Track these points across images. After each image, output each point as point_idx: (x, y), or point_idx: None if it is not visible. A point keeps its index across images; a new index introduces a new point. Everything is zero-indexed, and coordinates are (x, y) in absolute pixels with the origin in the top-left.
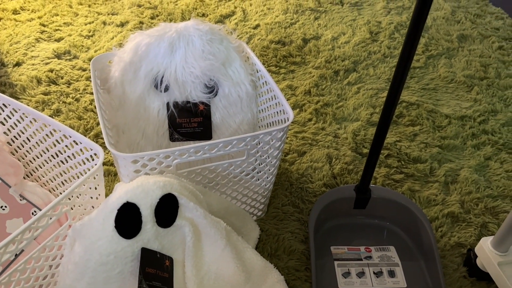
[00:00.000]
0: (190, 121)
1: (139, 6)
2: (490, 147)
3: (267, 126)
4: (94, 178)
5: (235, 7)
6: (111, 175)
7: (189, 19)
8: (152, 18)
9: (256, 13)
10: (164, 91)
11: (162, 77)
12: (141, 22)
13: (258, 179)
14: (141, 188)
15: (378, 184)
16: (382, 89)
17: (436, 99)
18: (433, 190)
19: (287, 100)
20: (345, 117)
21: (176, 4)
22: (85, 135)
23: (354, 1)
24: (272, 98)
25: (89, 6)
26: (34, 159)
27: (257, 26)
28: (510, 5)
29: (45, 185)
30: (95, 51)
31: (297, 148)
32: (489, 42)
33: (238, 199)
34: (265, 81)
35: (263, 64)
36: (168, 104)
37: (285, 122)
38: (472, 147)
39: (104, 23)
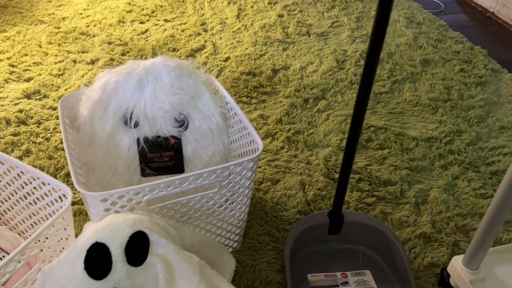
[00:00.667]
0: (161, 156)
1: (110, 43)
2: (457, 167)
3: (240, 157)
4: (63, 219)
5: (205, 41)
6: (82, 215)
7: (161, 54)
8: (122, 54)
9: (226, 46)
10: (134, 127)
11: (132, 113)
12: (112, 59)
13: (232, 210)
14: (110, 227)
15: (351, 208)
16: (350, 115)
17: (403, 122)
18: (404, 211)
19: (259, 129)
20: (316, 144)
21: (147, 40)
22: (56, 175)
23: (321, 31)
24: (242, 129)
25: (59, 45)
26: (3, 202)
27: (228, 58)
28: (468, 29)
29: (14, 228)
30: (66, 90)
31: (271, 176)
32: (451, 65)
33: (213, 232)
34: (235, 113)
35: (235, 95)
36: (138, 139)
37: (255, 152)
38: (440, 167)
39: (75, 61)
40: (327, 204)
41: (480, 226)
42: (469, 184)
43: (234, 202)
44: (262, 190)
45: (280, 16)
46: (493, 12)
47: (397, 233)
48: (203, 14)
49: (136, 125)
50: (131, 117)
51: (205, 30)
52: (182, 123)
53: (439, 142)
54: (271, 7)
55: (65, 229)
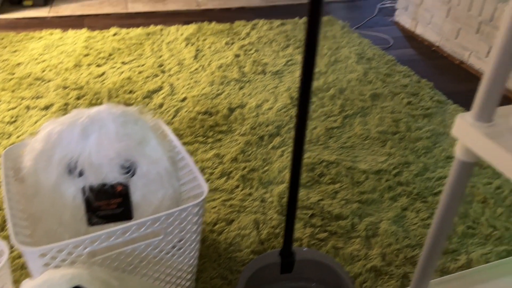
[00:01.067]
0: (108, 203)
1: (65, 87)
2: (406, 198)
3: (189, 200)
4: None
5: (163, 82)
6: (24, 269)
7: (116, 97)
8: (78, 99)
9: (183, 86)
10: (79, 176)
11: (76, 162)
12: (66, 104)
13: (181, 256)
14: (47, 284)
15: (304, 244)
16: (304, 150)
17: (354, 156)
18: (355, 245)
19: (215, 168)
20: (271, 181)
21: (103, 83)
22: (3, 227)
23: (276, 69)
24: (189, 173)
25: (13, 91)
26: None
27: (185, 99)
28: (416, 63)
29: None
30: (17, 137)
31: (225, 216)
32: (399, 99)
33: (162, 279)
34: (182, 157)
35: (191, 135)
36: (84, 188)
37: (202, 196)
38: (389, 199)
39: (28, 107)
40: (281, 242)
41: (420, 258)
42: (418, 214)
43: (182, 248)
44: (216, 232)
45: (237, 56)
46: (438, 46)
47: (348, 268)
48: (161, 56)
49: (81, 174)
50: (76, 166)
51: (163, 72)
52: (129, 170)
53: (388, 174)
54: (228, 47)
55: (2, 287)
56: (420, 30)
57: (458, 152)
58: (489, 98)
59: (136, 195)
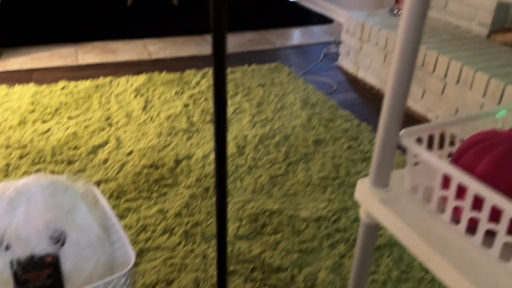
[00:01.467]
0: (38, 275)
1: (7, 147)
2: (343, 245)
3: (120, 267)
4: None
5: (109, 136)
6: None
7: (60, 154)
8: (20, 158)
9: (130, 139)
10: (6, 250)
11: (3, 236)
12: (8, 164)
13: None
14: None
15: None
16: (248, 200)
17: (296, 203)
18: None
19: (158, 225)
20: (213, 235)
21: (48, 140)
22: None
23: None
24: (119, 240)
25: None
26: None
27: (131, 152)
28: (357, 106)
29: None
30: None
31: (166, 277)
32: (340, 143)
33: None
34: (113, 223)
35: (135, 191)
36: (11, 262)
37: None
38: (328, 247)
39: None
40: None
41: None
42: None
43: None
44: None
45: (186, 105)
46: (378, 89)
47: None
48: (109, 108)
49: (8, 247)
50: (2, 240)
51: (110, 125)
52: (59, 240)
53: (327, 221)
54: (178, 97)
55: None
56: (361, 74)
57: (362, 216)
58: (382, 166)
59: (67, 265)
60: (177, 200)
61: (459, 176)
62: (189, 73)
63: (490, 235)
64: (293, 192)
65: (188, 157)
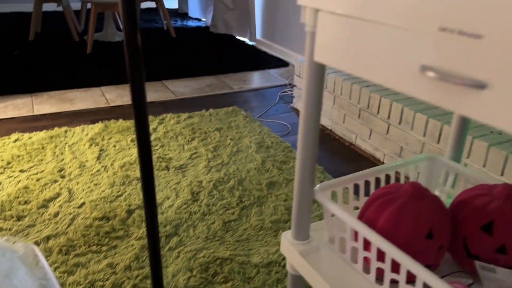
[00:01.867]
0: None
1: None
2: None
3: None
4: None
5: (61, 189)
6: None
7: (9, 210)
8: None
9: (83, 191)
10: None
11: None
12: None
13: None
14: None
15: None
16: (200, 249)
17: (248, 249)
18: None
19: (106, 280)
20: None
21: None
22: None
23: (179, 164)
24: None
25: None
26: None
27: (83, 204)
28: None
29: None
30: None
31: None
32: (293, 185)
33: None
34: (52, 284)
35: (84, 245)
36: None
37: None
38: None
39: None
40: None
41: None
42: None
43: None
44: None
45: None
46: (331, 130)
47: None
48: (62, 159)
49: None
50: None
51: (63, 176)
52: None
53: (277, 266)
54: (134, 145)
55: None
56: None
57: (288, 267)
58: (300, 220)
59: None
60: (128, 252)
61: (363, 231)
62: None
63: (395, 283)
64: (245, 238)
65: (141, 206)
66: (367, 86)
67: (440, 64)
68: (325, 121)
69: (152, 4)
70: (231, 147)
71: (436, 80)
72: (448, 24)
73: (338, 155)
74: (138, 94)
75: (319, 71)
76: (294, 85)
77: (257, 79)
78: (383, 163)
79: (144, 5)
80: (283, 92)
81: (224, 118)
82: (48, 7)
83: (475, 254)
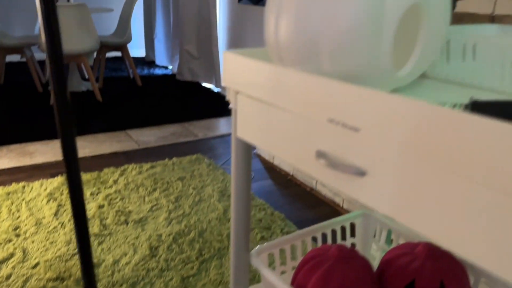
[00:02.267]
0: None
1: None
2: None
3: None
4: None
5: (15, 248)
6: None
7: None
8: None
9: (38, 249)
10: None
11: None
12: None
13: None
14: None
15: None
16: None
17: None
18: None
19: None
20: None
21: None
22: None
23: (139, 217)
24: None
25: None
26: None
27: (37, 264)
28: (272, 194)
29: None
30: None
31: None
32: (254, 234)
33: None
34: None
35: None
36: None
37: None
38: None
39: None
40: None
41: None
42: None
43: None
44: None
45: (101, 206)
46: (292, 175)
47: None
48: (18, 217)
49: None
50: None
51: (17, 235)
52: None
53: None
54: (93, 198)
55: None
56: (277, 161)
57: None
58: (238, 285)
59: None
60: None
61: None
62: (107, 171)
63: None
64: None
65: (98, 264)
66: None
67: (331, 150)
68: (286, 167)
69: (118, 54)
70: (193, 197)
71: (327, 166)
72: (335, 116)
73: (299, 200)
74: (69, 150)
75: (246, 147)
76: None
77: (222, 125)
78: (342, 207)
79: (110, 54)
80: None
81: (187, 166)
82: (11, 58)
83: None
